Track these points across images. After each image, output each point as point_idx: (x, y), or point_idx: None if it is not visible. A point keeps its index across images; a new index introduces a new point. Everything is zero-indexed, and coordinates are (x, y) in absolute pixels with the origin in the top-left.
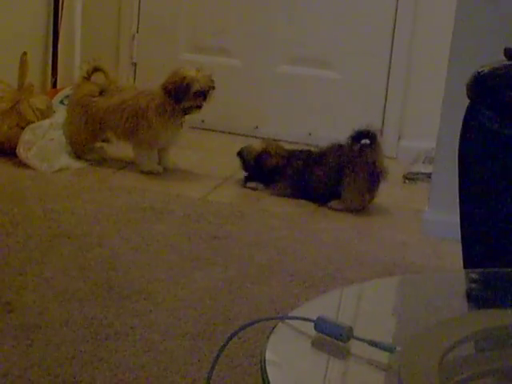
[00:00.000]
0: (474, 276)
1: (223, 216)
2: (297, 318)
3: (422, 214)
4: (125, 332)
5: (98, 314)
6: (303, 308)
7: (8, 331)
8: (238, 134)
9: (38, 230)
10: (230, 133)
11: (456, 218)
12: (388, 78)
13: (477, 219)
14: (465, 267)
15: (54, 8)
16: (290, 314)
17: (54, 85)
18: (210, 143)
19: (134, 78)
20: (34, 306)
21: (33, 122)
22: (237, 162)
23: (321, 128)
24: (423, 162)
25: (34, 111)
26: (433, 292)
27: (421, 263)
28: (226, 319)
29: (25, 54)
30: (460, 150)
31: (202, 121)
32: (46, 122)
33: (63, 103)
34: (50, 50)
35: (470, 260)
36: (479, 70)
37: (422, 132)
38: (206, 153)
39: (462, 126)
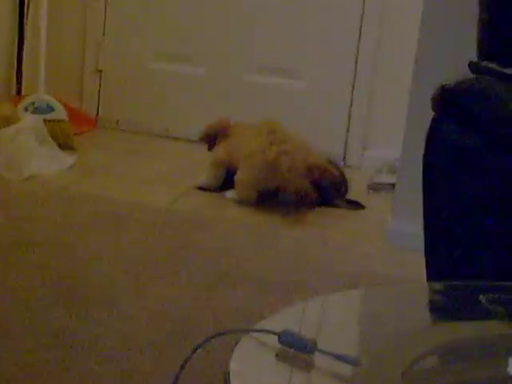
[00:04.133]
0: (437, 287)
1: (188, 225)
2: (261, 331)
3: (386, 223)
4: (88, 340)
5: (62, 323)
6: (268, 320)
7: None
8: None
9: (0, 239)
10: (194, 141)
11: (419, 228)
12: (353, 88)
13: (441, 232)
14: (428, 279)
15: (19, 14)
16: (254, 327)
17: (19, 92)
18: (171, 151)
19: (100, 86)
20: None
21: None
22: (200, 170)
23: None
24: (386, 173)
25: None
26: (396, 304)
27: (384, 273)
28: (190, 328)
29: None
30: (424, 164)
31: (166, 129)
32: (12, 128)
33: (27, 110)
34: (15, 56)
35: (434, 272)
36: (444, 84)
37: (387, 142)
38: (170, 161)
39: (426, 139)
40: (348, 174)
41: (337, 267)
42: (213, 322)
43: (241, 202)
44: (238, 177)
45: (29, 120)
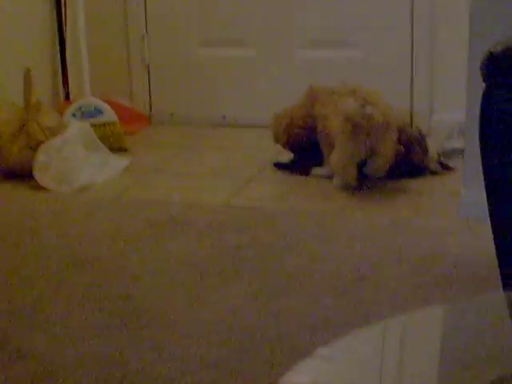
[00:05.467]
0: None
1: (247, 222)
2: None
3: (458, 195)
4: (142, 370)
5: (114, 352)
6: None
7: (18, 381)
8: (262, 127)
9: (51, 261)
10: (252, 126)
11: None
12: (412, 52)
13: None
14: (501, 268)
15: (58, 19)
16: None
17: (67, 96)
18: (229, 141)
19: (149, 80)
20: (45, 349)
21: (43, 142)
22: (259, 158)
23: None
24: (457, 137)
25: (43, 130)
26: (477, 321)
27: (460, 254)
28: (252, 343)
29: (28, 70)
30: (480, 138)
31: (223, 117)
32: (58, 139)
33: (75, 116)
34: (58, 61)
35: (506, 256)
36: (492, 50)
37: (454, 104)
38: (229, 151)
39: (480, 111)
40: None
41: (410, 251)
42: (276, 334)
43: (344, 185)
44: (332, 157)
45: (75, 128)
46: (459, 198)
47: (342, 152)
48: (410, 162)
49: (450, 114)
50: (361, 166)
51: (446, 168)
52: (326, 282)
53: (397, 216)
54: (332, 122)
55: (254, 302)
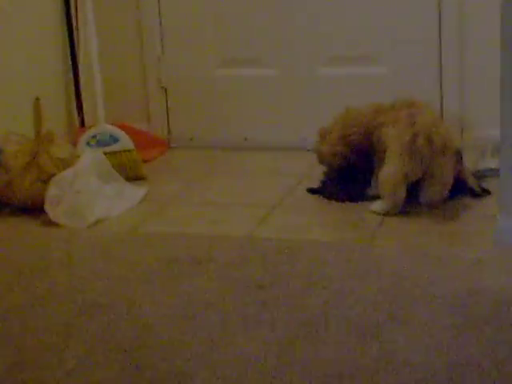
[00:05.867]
0: None
1: (270, 257)
2: None
3: (494, 221)
4: None
5: None
6: None
7: None
8: (285, 149)
9: (61, 307)
10: (275, 148)
11: None
12: (441, 67)
13: None
14: None
15: (70, 44)
16: None
17: (82, 123)
18: (251, 165)
19: (167, 103)
20: None
21: (55, 175)
22: (283, 183)
23: None
24: (492, 156)
25: (54, 162)
26: None
27: (498, 286)
28: None
29: (37, 99)
30: None
31: (245, 138)
32: (70, 171)
33: (90, 145)
34: (72, 87)
35: None
36: None
37: (487, 120)
38: (252, 176)
39: None
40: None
41: (443, 286)
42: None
43: (392, 206)
44: (383, 173)
45: (88, 158)
46: (495, 225)
47: (393, 166)
48: (457, 181)
49: (483, 131)
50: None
51: (484, 190)
52: (353, 324)
53: (430, 246)
54: (389, 131)
55: (276, 348)
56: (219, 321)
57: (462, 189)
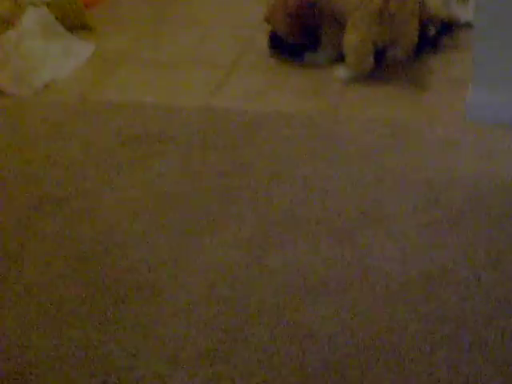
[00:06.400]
0: None
1: (232, 134)
2: None
3: (462, 87)
4: (129, 366)
5: (93, 341)
6: None
7: None
8: None
9: (13, 203)
10: None
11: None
12: None
13: None
14: None
15: None
16: None
17: None
18: (202, 13)
19: None
20: (14, 338)
21: None
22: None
23: None
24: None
25: None
26: None
27: (471, 171)
28: (245, 317)
29: None
30: None
31: None
32: (13, 32)
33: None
34: None
35: None
36: None
37: None
38: (201, 28)
39: None
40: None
41: (415, 175)
42: (272, 295)
43: (358, 73)
44: (347, 38)
45: (31, 16)
46: (466, 99)
47: (361, 34)
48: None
49: None
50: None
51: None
52: (324, 224)
53: (397, 120)
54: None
55: (244, 255)
56: (184, 219)
57: (425, 41)
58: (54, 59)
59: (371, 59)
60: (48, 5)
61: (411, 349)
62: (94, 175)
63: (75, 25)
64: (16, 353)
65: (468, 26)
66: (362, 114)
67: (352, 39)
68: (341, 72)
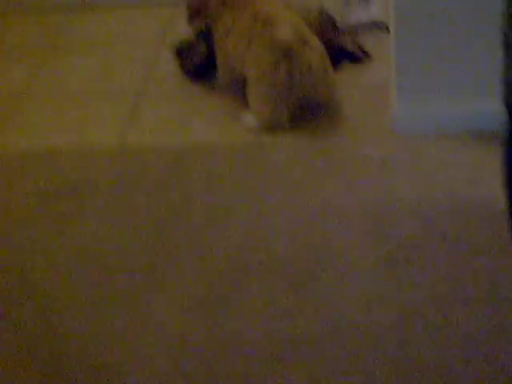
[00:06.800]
0: None
1: (156, 174)
2: None
3: (391, 109)
4: None
5: None
6: None
7: None
8: (127, 7)
9: None
10: (118, 7)
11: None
12: None
13: None
14: None
15: None
16: None
17: None
18: (97, 33)
19: None
20: None
21: None
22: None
23: None
24: (359, 3)
25: None
26: None
27: (411, 190)
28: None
29: None
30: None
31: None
32: None
33: None
34: None
35: None
36: None
37: None
38: (100, 50)
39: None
40: None
41: (354, 202)
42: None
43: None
44: (256, 108)
45: None
46: (392, 112)
47: (270, 107)
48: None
49: None
50: None
51: (364, 53)
52: (275, 271)
53: (325, 145)
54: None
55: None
56: (128, 281)
57: (342, 55)
58: None
59: (282, 112)
60: None
61: None
62: (19, 235)
63: None
64: None
65: (375, 25)
66: (285, 139)
67: (262, 112)
68: (248, 120)
